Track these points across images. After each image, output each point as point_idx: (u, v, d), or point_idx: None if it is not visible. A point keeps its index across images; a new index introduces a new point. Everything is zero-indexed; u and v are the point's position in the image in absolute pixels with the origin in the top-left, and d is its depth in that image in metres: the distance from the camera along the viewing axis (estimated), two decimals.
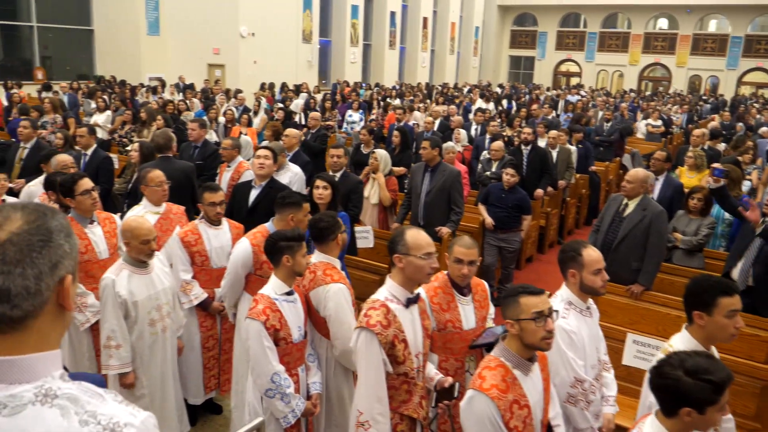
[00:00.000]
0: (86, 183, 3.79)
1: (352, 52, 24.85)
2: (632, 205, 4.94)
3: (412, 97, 17.86)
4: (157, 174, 4.38)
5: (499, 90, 24.16)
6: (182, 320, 3.85)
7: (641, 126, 13.93)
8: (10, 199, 5.38)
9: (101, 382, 1.51)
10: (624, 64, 32.95)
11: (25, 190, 5.43)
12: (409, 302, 2.76)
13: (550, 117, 13.06)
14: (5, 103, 12.37)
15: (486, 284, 3.25)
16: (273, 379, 2.95)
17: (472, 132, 10.70)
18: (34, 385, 1.06)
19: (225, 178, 6.06)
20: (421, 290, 2.94)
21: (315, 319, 3.28)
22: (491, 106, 16.69)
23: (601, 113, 13.49)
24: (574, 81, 33.08)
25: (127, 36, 19.51)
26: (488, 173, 7.53)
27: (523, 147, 7.93)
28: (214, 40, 19.46)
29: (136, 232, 3.35)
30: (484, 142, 9.21)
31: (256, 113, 12.82)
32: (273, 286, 3.08)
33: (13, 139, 7.95)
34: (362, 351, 2.64)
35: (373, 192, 6.39)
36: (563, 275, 2.98)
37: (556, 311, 2.50)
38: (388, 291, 2.75)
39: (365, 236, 5.74)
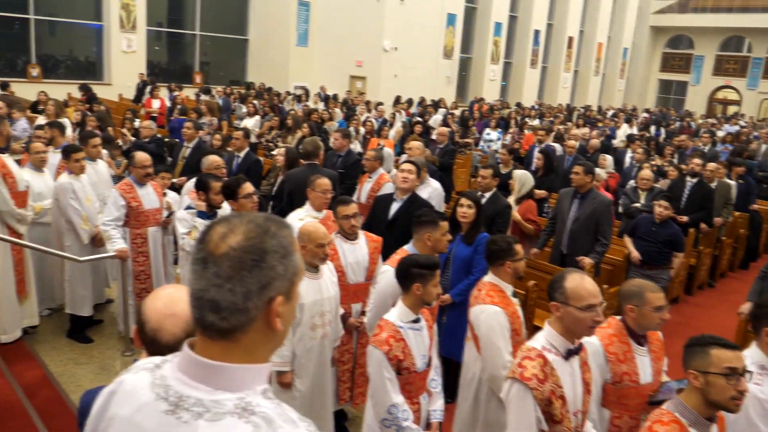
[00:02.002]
0: (248, 187, 3.92)
1: (491, 69, 24.57)
2: None
3: (552, 118, 17.28)
4: (325, 182, 4.48)
5: (645, 115, 22.74)
6: (341, 331, 3.86)
7: None
8: (172, 194, 5.76)
9: None
10: None
11: (186, 186, 5.80)
12: (569, 354, 2.46)
13: (706, 148, 12.05)
14: (168, 103, 13.48)
15: (661, 334, 2.94)
16: (390, 410, 2.83)
17: (627, 160, 10.13)
18: (237, 395, 1.06)
19: (365, 188, 6.09)
20: (593, 338, 2.69)
21: (472, 334, 3.16)
22: (634, 130, 15.74)
23: (765, 146, 12.24)
24: (731, 110, 30.45)
25: (278, 46, 20.66)
26: (638, 204, 7.02)
27: (688, 179, 7.36)
28: (358, 52, 20.05)
29: (312, 235, 3.41)
30: (632, 170, 8.69)
31: (391, 125, 12.99)
32: (399, 313, 2.94)
33: (176, 139, 8.58)
34: (514, 406, 2.40)
35: None
36: (755, 331, 2.61)
37: (750, 372, 2.18)
38: (546, 339, 2.46)
39: None
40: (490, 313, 3.04)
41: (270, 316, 1.08)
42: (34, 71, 16.93)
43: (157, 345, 1.63)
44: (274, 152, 8.76)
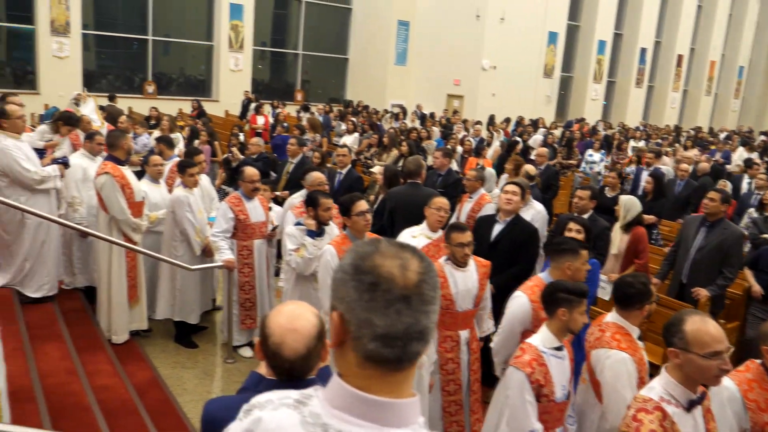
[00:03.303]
0: (362, 205, 3.94)
1: (594, 88, 23.79)
2: None
3: (659, 140, 16.44)
4: (442, 201, 4.46)
5: (764, 138, 21.17)
6: (433, 356, 3.80)
7: None
8: (276, 208, 5.94)
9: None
10: None
11: (288, 200, 5.96)
12: (691, 405, 2.23)
13: None
14: (271, 120, 14.00)
15: None
16: None
17: (744, 186, 9.45)
18: (405, 431, 1.04)
19: (465, 209, 6.01)
20: (728, 382, 2.46)
21: (591, 379, 2.98)
22: (754, 155, 14.62)
23: None
24: None
25: (376, 65, 21.04)
26: (766, 235, 6.51)
27: None
28: (456, 71, 20.02)
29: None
30: (749, 197, 8.07)
31: (489, 145, 12.82)
32: (542, 339, 2.85)
33: (278, 155, 8.88)
34: None
35: (615, 241, 5.86)
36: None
37: None
38: (664, 388, 2.23)
39: (603, 287, 5.35)
40: (617, 360, 2.82)
41: None
42: (150, 88, 18.14)
43: (278, 358, 1.68)
44: (372, 169, 8.85)
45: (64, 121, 6.80)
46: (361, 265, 1.04)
